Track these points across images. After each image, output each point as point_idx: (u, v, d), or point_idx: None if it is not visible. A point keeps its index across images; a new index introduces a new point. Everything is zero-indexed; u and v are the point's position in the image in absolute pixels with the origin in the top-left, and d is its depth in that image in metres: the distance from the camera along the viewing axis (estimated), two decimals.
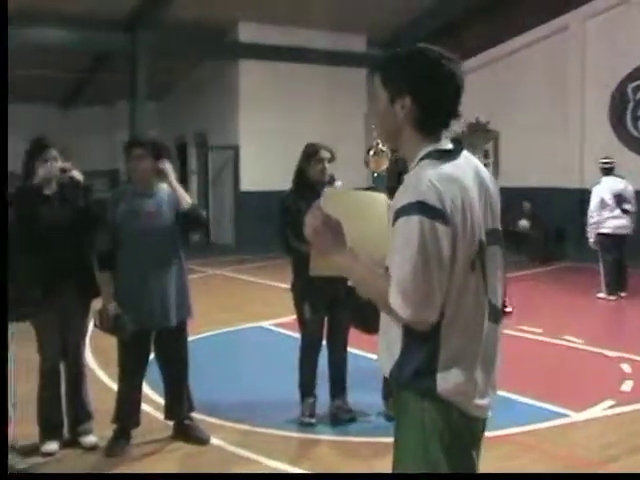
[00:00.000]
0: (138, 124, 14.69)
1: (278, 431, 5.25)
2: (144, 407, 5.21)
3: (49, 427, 4.94)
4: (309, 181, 5.31)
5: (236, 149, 16.02)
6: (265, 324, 8.66)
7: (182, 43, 15.13)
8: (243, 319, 8.85)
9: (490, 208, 2.44)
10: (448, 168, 2.33)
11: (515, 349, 7.31)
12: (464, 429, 2.38)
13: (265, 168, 15.09)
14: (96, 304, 4.93)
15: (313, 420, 5.36)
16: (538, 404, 5.75)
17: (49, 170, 4.79)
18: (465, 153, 2.45)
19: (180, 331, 5.00)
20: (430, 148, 2.38)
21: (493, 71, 15.52)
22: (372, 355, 6.63)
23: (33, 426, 4.93)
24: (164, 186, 4.95)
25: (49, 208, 4.80)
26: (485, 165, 5.41)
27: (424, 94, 2.37)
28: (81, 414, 5.02)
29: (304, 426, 5.33)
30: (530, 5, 14.52)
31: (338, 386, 5.51)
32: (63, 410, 5.02)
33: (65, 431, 5.03)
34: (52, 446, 4.89)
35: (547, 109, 14.69)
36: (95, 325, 4.90)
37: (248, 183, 15.86)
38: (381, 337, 2.48)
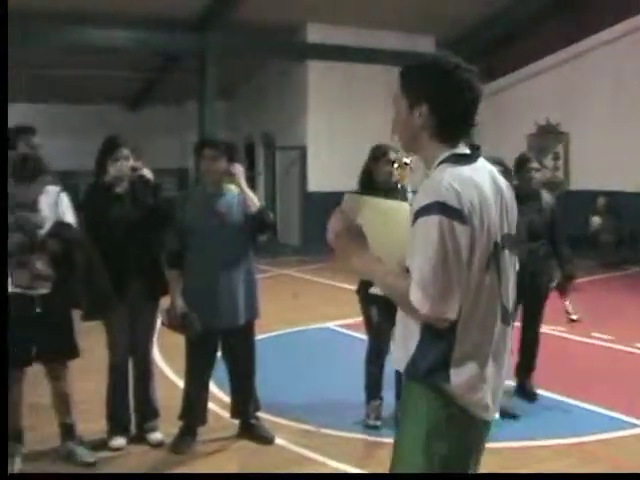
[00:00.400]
0: (207, 124, 14.82)
1: (343, 433, 5.23)
2: (210, 405, 5.23)
3: (117, 423, 5.00)
4: (375, 183, 5.25)
5: (303, 149, 16.06)
6: (331, 325, 8.64)
7: (251, 43, 15.22)
8: (310, 319, 8.84)
9: (506, 214, 2.52)
10: (466, 171, 2.42)
11: (585, 356, 7.18)
12: (468, 429, 2.46)
13: (332, 169, 15.07)
14: (164, 302, 4.97)
15: (378, 423, 5.31)
16: (610, 413, 5.58)
17: (120, 169, 4.84)
18: (482, 159, 2.54)
19: (248, 331, 5.01)
20: (448, 153, 2.47)
21: (564, 72, 15.24)
22: None
23: (102, 421, 5.00)
24: (232, 186, 4.97)
25: (120, 206, 4.85)
26: (556, 168, 5.33)
27: (440, 103, 2.46)
28: (148, 411, 5.08)
29: (369, 428, 5.28)
30: (602, 6, 14.22)
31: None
32: (130, 406, 5.08)
33: (132, 427, 5.09)
34: (119, 441, 4.95)
35: (618, 110, 14.36)
36: (163, 323, 4.94)
37: (315, 184, 15.87)
38: (397, 334, 2.56)
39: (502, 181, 2.57)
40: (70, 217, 4.58)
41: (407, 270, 2.39)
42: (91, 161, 5.00)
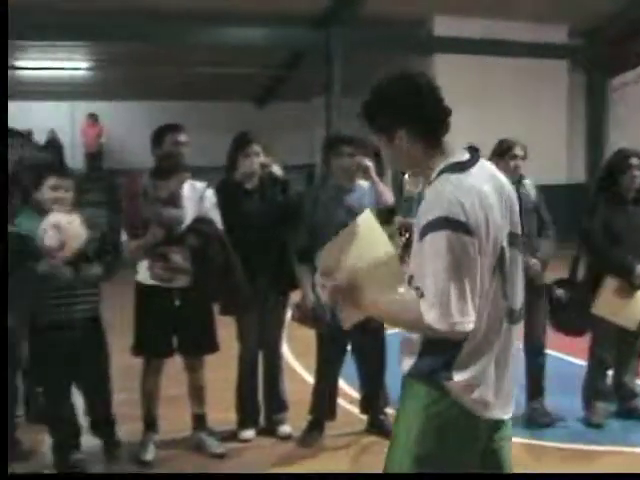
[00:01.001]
0: (334, 120, 14.86)
1: None
2: (339, 400, 5.22)
3: (246, 415, 5.07)
4: None
5: None
6: None
7: (376, 38, 15.16)
8: None
9: (510, 213, 2.54)
10: (466, 179, 2.44)
11: None
12: (468, 428, 2.50)
13: None
14: (294, 297, 5.01)
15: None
16: None
17: (251, 165, 4.89)
18: (482, 161, 2.56)
19: (378, 326, 4.97)
20: (445, 162, 2.50)
21: None
22: (572, 358, 6.39)
23: (232, 413, 5.08)
24: (362, 182, 4.94)
25: (250, 203, 4.91)
26: None
27: (411, 120, 2.51)
28: (277, 404, 5.13)
29: None
30: None
31: (535, 388, 5.31)
32: (260, 399, 5.15)
33: (261, 419, 5.15)
34: (248, 433, 5.02)
35: None
36: (293, 318, 4.97)
37: None
38: (403, 336, 2.59)
39: (505, 181, 2.59)
40: (214, 213, 4.67)
41: (417, 289, 2.40)
42: (220, 157, 5.06)
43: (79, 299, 4.30)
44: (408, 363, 2.55)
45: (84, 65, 17.05)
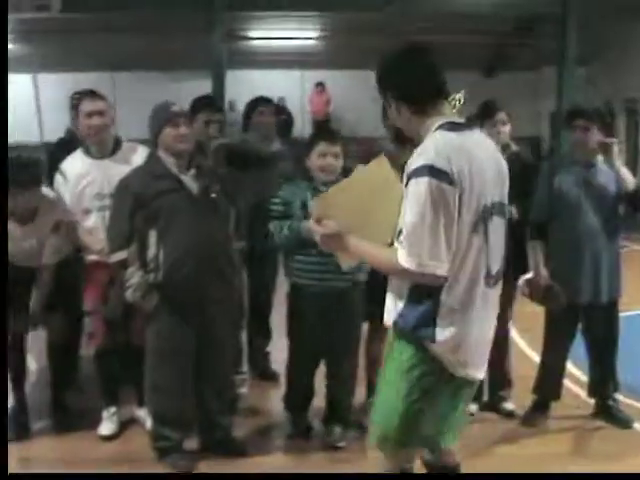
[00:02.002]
0: (565, 91, 14.29)
1: None
2: (566, 382, 5.08)
3: None
4: None
5: None
6: None
7: (615, 5, 14.36)
8: None
9: (500, 182, 2.75)
10: (457, 137, 2.63)
11: None
12: (446, 384, 2.67)
13: None
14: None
15: None
16: None
17: (497, 134, 4.75)
18: (478, 131, 2.80)
19: (610, 308, 4.76)
20: (441, 121, 2.67)
21: None
22: None
23: None
24: (601, 158, 4.70)
25: None
26: None
27: (403, 92, 2.72)
28: (501, 380, 5.04)
29: None
30: None
31: None
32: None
33: (485, 394, 5.07)
34: (472, 407, 4.93)
35: None
36: (523, 294, 4.84)
37: None
38: (389, 293, 2.74)
39: (498, 153, 2.84)
40: None
41: (399, 233, 2.59)
42: None
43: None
44: (392, 312, 2.72)
45: (313, 35, 17.43)
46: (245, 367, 5.28)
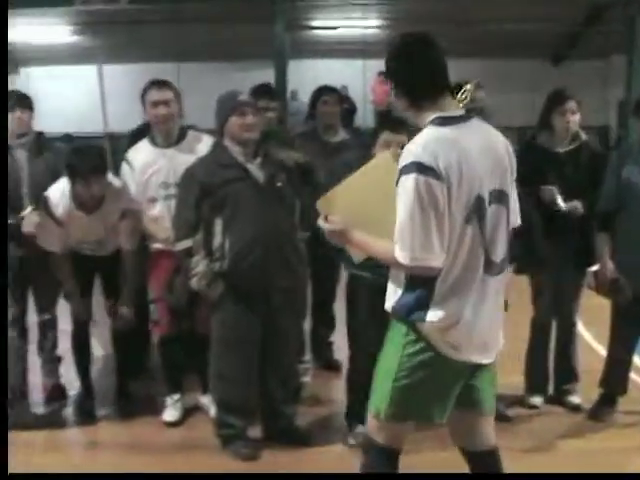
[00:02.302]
0: (634, 79, 13.99)
1: None
2: (632, 376, 4.96)
3: (535, 381, 4.97)
4: None
5: None
6: None
7: None
8: None
9: (499, 170, 2.78)
10: (446, 131, 2.70)
11: None
12: (441, 367, 2.76)
13: None
14: None
15: None
16: None
17: (566, 123, 4.68)
18: (476, 121, 2.83)
19: None
20: (434, 115, 2.73)
21: None
22: None
23: (519, 377, 5.00)
24: None
25: (559, 167, 4.71)
26: None
27: (401, 82, 2.81)
28: (567, 373, 4.97)
29: None
30: None
31: None
32: (550, 366, 5.01)
33: (550, 387, 5.02)
34: (536, 400, 4.92)
35: None
36: (589, 286, 4.76)
37: None
38: (389, 281, 2.86)
39: (500, 141, 2.87)
40: None
41: None
42: (514, 117, 4.90)
43: None
44: (391, 299, 2.82)
45: (376, 23, 17.35)
46: (308, 356, 5.29)
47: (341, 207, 2.98)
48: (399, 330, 2.82)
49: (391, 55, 2.85)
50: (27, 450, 4.55)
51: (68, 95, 17.22)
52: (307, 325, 5.07)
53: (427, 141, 2.67)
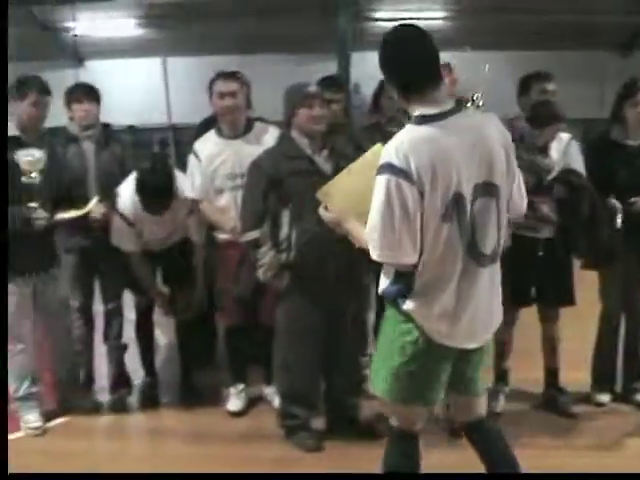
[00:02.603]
0: None
1: None
2: None
3: (603, 378, 4.87)
4: None
5: None
6: None
7: None
8: None
9: (487, 163, 2.79)
10: (425, 130, 2.75)
11: None
12: (428, 350, 2.87)
13: None
14: None
15: None
16: None
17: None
18: (465, 114, 2.89)
19: None
20: (418, 112, 2.79)
21: None
22: None
23: (585, 373, 4.90)
24: None
25: (629, 163, 4.57)
26: None
27: (390, 76, 2.87)
28: (636, 370, 4.86)
29: None
30: None
31: None
32: (618, 363, 4.91)
33: (618, 385, 4.92)
34: (604, 397, 4.81)
35: None
36: None
37: None
38: (383, 271, 2.97)
39: (490, 132, 2.83)
40: (579, 165, 4.49)
41: None
42: (582, 108, 4.81)
43: None
44: (383, 285, 2.95)
45: (440, 15, 17.17)
46: (371, 349, 5.25)
47: (339, 197, 3.20)
48: (391, 317, 2.97)
49: (383, 45, 2.89)
50: (91, 437, 4.64)
51: (132, 88, 17.42)
52: (372, 318, 5.03)
53: (402, 142, 2.73)
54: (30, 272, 4.57)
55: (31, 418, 4.64)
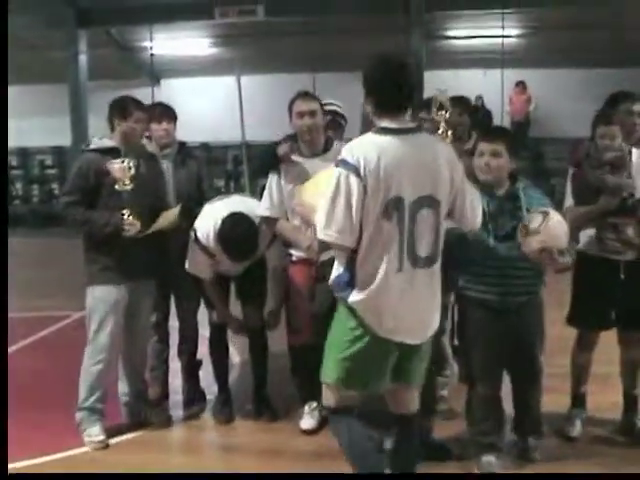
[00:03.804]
0: None
1: None
2: None
3: None
4: None
5: None
6: None
7: None
8: None
9: (432, 180, 3.27)
10: (380, 138, 3.26)
11: None
12: (371, 342, 3.28)
13: None
14: None
15: None
16: None
17: None
18: (422, 136, 3.37)
19: None
20: (381, 125, 3.30)
21: None
22: None
23: None
24: None
25: None
26: None
27: (368, 93, 3.35)
28: None
29: None
30: None
31: None
32: None
33: None
34: None
35: None
36: None
37: None
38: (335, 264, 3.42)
39: (443, 154, 3.34)
40: None
41: None
42: None
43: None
44: (332, 276, 3.39)
45: (514, 32, 17.03)
46: (449, 371, 5.18)
47: (309, 195, 3.66)
48: (341, 309, 3.36)
49: (368, 67, 3.36)
50: (164, 452, 4.68)
51: (205, 106, 17.71)
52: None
53: (358, 144, 3.27)
54: (124, 279, 4.66)
55: (94, 431, 4.68)
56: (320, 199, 3.33)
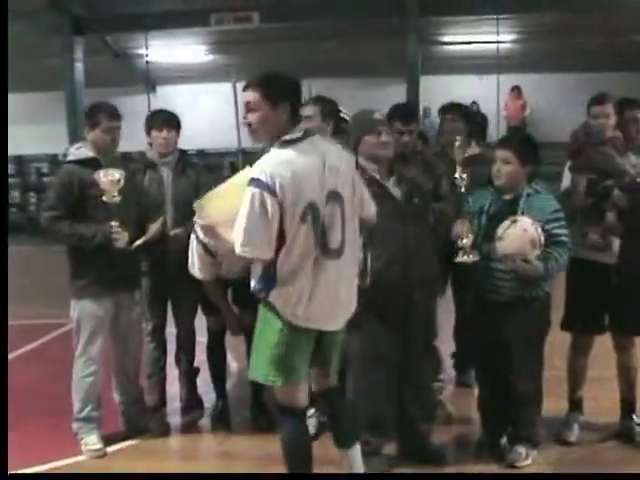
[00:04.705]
0: None
1: None
2: None
3: None
4: None
5: None
6: None
7: None
8: None
9: (333, 176, 3.45)
10: (283, 153, 3.41)
11: None
12: (291, 332, 3.44)
13: None
14: None
15: None
16: None
17: None
18: (315, 138, 3.50)
19: None
20: (282, 138, 3.43)
21: None
22: None
23: None
24: None
25: None
26: None
27: (294, 99, 3.54)
28: None
29: None
30: None
31: None
32: None
33: None
34: None
35: None
36: None
37: None
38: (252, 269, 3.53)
39: (335, 152, 3.54)
40: None
41: None
42: None
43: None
44: (252, 283, 3.50)
45: (509, 38, 17.06)
46: (444, 375, 5.20)
47: (215, 206, 3.78)
48: (261, 309, 3.51)
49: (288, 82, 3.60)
50: (161, 459, 4.68)
51: (201, 112, 17.70)
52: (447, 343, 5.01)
53: (268, 162, 3.37)
54: (110, 293, 4.67)
55: (91, 440, 4.70)
56: (228, 214, 3.49)
